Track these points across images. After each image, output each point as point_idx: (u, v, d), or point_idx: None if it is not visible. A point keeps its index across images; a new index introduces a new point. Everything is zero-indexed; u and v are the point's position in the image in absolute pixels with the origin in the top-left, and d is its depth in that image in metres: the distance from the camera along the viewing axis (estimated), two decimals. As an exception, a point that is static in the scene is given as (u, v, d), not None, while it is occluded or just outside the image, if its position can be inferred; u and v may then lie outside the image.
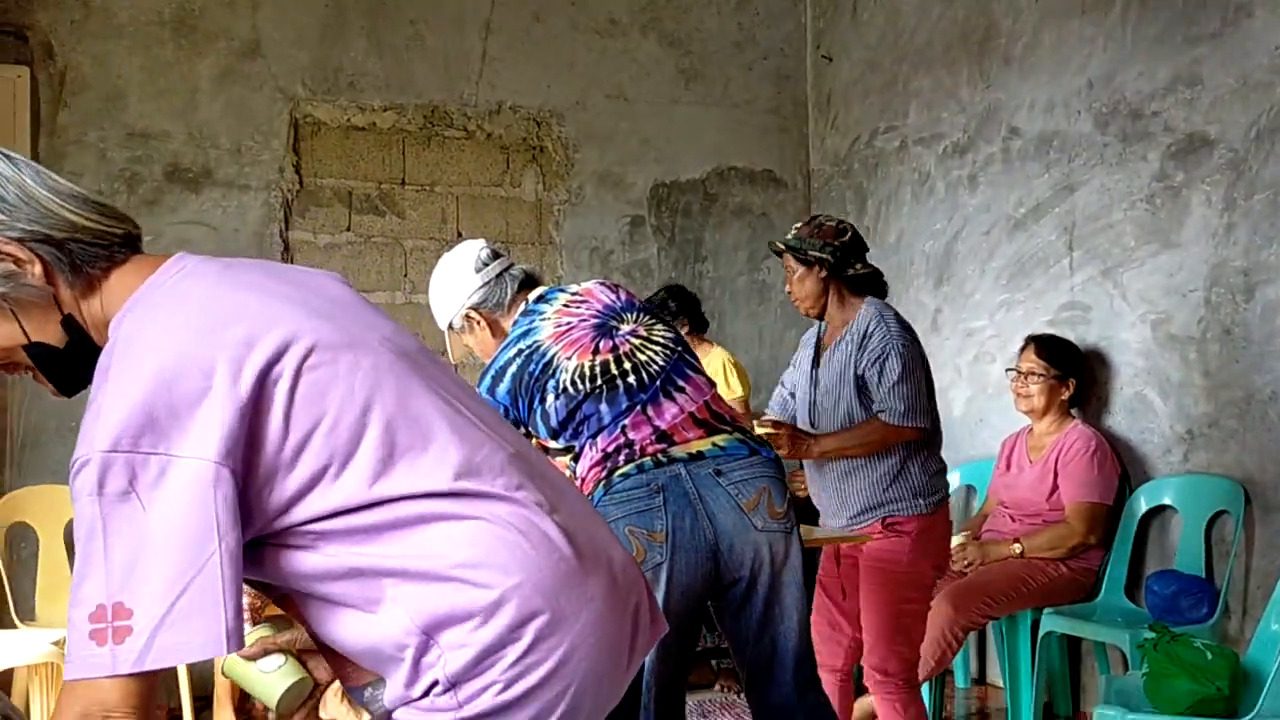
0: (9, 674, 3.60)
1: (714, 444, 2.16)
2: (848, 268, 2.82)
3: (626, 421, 2.17)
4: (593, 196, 5.01)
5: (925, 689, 3.53)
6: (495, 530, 1.19)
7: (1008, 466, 3.86)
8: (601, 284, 2.40)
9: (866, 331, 2.76)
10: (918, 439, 2.78)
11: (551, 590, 1.19)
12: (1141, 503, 3.59)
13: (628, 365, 2.22)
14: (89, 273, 1.20)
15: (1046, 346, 3.73)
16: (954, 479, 4.41)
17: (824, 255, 2.79)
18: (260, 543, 1.17)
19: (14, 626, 3.66)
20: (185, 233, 4.33)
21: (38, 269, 1.18)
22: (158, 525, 1.06)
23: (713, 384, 2.32)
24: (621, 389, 2.19)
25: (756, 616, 2.14)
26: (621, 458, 2.13)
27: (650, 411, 2.18)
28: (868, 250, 2.92)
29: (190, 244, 4.33)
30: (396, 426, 1.18)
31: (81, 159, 4.21)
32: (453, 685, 1.17)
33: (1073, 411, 3.78)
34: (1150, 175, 3.61)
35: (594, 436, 2.18)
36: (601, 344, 2.24)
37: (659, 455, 2.12)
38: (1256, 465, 3.26)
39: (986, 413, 4.36)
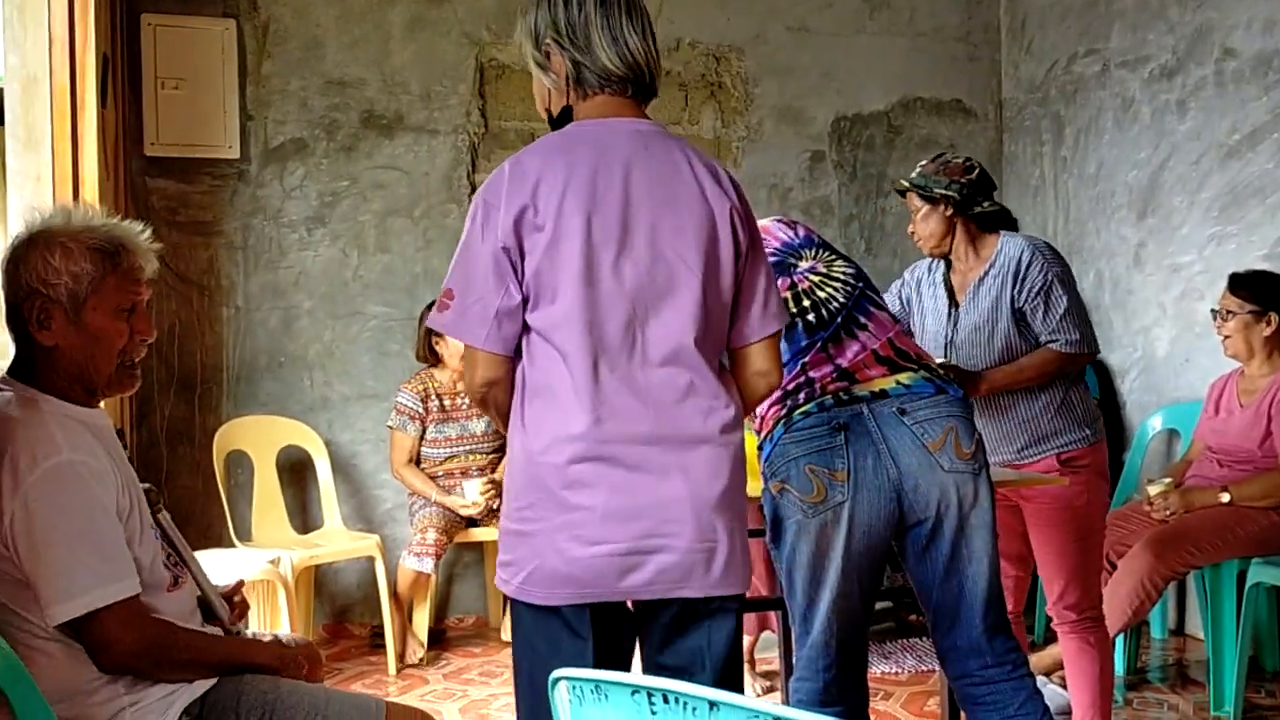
0: (230, 589, 3.90)
1: (898, 382, 2.11)
2: (974, 205, 2.75)
3: (806, 359, 2.15)
4: (772, 132, 4.94)
5: (1120, 640, 3.41)
6: (563, 425, 1.65)
7: (1216, 410, 3.65)
8: (779, 221, 2.38)
9: (1022, 264, 2.69)
10: (1089, 363, 2.77)
11: (558, 487, 1.65)
12: (1366, 450, 3.34)
13: (807, 303, 2.20)
14: (583, 89, 1.76)
15: (1243, 282, 3.51)
16: (1156, 422, 4.21)
17: (949, 193, 2.73)
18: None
19: (233, 546, 3.96)
20: (379, 177, 4.51)
21: (563, 75, 1.77)
22: (483, 256, 1.67)
23: (897, 320, 2.27)
24: (801, 327, 2.18)
25: (943, 559, 2.10)
26: (802, 396, 2.11)
27: (831, 349, 2.15)
28: (995, 189, 2.83)
29: (384, 188, 4.51)
30: (573, 327, 1.66)
31: (284, 107, 4.43)
32: (504, 488, 1.78)
33: (1290, 352, 3.53)
34: (1388, 94, 3.30)
35: (774, 375, 2.17)
36: (779, 282, 2.22)
37: (840, 393, 2.09)
38: None
39: (1193, 353, 4.12)
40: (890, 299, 3.00)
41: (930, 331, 2.89)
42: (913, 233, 2.84)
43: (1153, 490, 3.49)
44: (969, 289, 2.79)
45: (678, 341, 1.69)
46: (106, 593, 1.63)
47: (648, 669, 1.77)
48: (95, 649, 1.66)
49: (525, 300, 1.68)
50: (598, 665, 1.67)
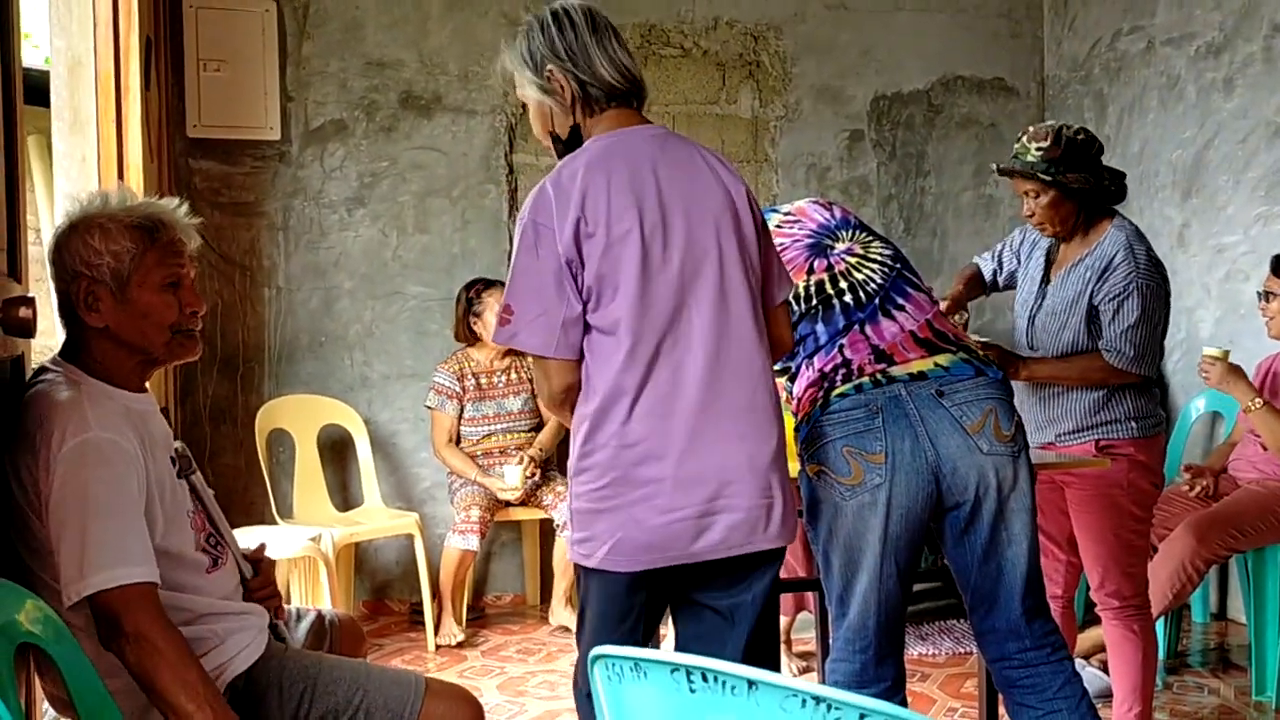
0: (272, 566, 3.96)
1: (936, 364, 2.10)
2: (1103, 182, 2.63)
3: (844, 341, 2.14)
4: (810, 111, 4.91)
5: (1160, 623, 3.38)
6: (631, 407, 1.80)
7: (1260, 392, 3.59)
8: (815, 202, 2.37)
9: (1112, 262, 2.59)
10: (1137, 384, 2.67)
11: (629, 464, 1.80)
12: None
13: (844, 284, 2.18)
14: (590, 106, 1.89)
15: None
16: (1199, 404, 4.16)
17: (1086, 178, 2.58)
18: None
19: (275, 523, 4.02)
20: (418, 158, 4.53)
21: (568, 94, 1.90)
22: (541, 272, 1.80)
23: (935, 301, 2.25)
24: (838, 308, 2.17)
25: (982, 542, 2.09)
26: (839, 377, 2.10)
27: (868, 330, 2.14)
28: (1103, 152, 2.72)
29: (423, 169, 4.53)
30: (634, 317, 1.80)
31: (324, 88, 4.46)
32: (573, 475, 1.88)
33: (1338, 334, 3.47)
34: None
35: (810, 357, 2.16)
36: (816, 263, 2.21)
37: (878, 375, 2.08)
38: None
39: (1237, 335, 4.07)
40: (987, 257, 2.98)
41: (1021, 299, 2.85)
42: (1030, 215, 2.67)
43: (1208, 350, 3.33)
44: (1063, 270, 2.72)
45: (725, 318, 1.85)
46: (115, 575, 1.59)
47: (688, 609, 1.95)
48: (100, 628, 1.62)
49: (584, 305, 1.82)
50: (652, 614, 1.89)
